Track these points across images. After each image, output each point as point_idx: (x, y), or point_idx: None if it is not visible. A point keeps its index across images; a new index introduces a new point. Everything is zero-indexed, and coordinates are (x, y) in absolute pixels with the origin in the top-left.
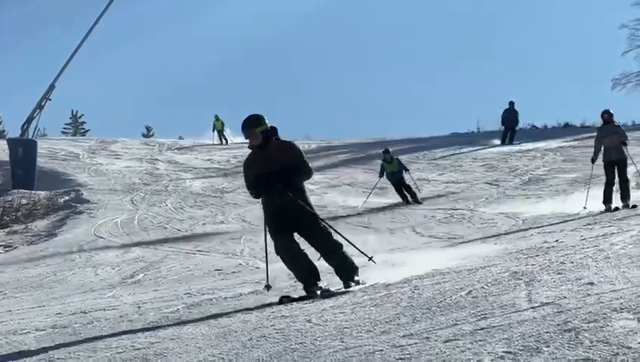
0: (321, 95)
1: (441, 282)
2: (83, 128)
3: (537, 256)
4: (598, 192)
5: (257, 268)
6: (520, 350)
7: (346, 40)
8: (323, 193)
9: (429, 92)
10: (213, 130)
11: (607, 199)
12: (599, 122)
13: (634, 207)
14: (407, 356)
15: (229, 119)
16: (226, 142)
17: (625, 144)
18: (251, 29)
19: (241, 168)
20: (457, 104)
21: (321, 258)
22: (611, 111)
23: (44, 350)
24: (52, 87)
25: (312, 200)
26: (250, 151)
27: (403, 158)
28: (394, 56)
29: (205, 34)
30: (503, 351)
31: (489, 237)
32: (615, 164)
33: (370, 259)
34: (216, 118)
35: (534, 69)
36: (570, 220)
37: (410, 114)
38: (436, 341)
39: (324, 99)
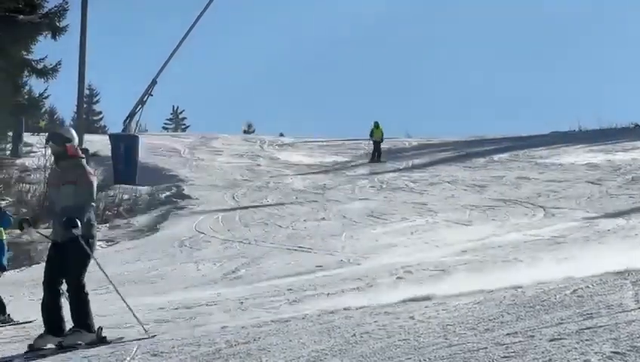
0: (420, 93)
1: (544, 281)
2: (184, 124)
3: None
4: None
5: (359, 264)
6: (628, 350)
7: (445, 38)
8: (423, 190)
9: (529, 90)
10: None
11: None
12: None
13: None
14: (512, 354)
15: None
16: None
17: None
18: (347, 24)
19: (342, 165)
20: (557, 102)
21: None
22: None
23: (148, 344)
24: (154, 82)
25: (414, 197)
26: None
27: (503, 157)
28: (494, 54)
29: (307, 28)
30: (611, 351)
31: (592, 236)
32: None
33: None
34: (376, 126)
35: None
36: None
37: (510, 112)
38: (541, 339)
39: (424, 98)
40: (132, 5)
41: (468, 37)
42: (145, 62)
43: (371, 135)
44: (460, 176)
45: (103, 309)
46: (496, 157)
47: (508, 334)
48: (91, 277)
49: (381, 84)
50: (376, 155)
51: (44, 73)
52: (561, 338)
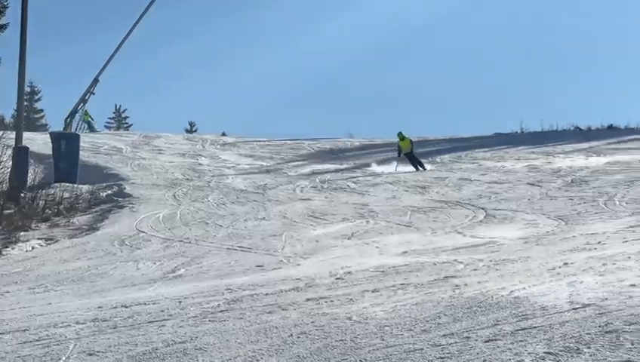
0: (364, 94)
1: (482, 282)
2: (126, 123)
3: (579, 257)
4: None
5: (299, 264)
6: (561, 351)
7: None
8: (364, 191)
9: (472, 92)
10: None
11: None
12: None
13: None
14: (448, 355)
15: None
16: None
17: None
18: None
19: (283, 165)
20: (501, 104)
21: None
22: None
23: (85, 343)
24: (96, 81)
25: (355, 198)
26: None
27: (445, 158)
28: (437, 56)
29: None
30: (544, 352)
31: (531, 237)
32: None
33: None
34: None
35: (576, 69)
36: (612, 222)
37: (453, 114)
38: (477, 340)
39: (368, 98)
40: (74, 4)
41: (413, 37)
42: (87, 60)
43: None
44: (401, 176)
45: (40, 308)
46: (438, 158)
47: (444, 335)
48: (29, 276)
49: (323, 85)
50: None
51: None
52: (496, 339)
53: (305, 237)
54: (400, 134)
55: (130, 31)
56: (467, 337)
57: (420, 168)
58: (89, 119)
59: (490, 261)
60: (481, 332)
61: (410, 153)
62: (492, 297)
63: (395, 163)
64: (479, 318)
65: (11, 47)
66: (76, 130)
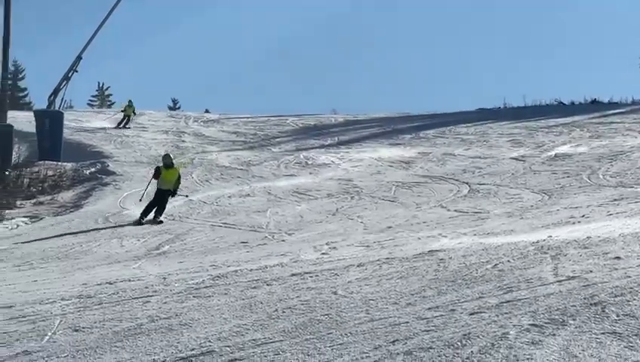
0: (347, 69)
1: (467, 255)
2: (109, 100)
3: (563, 231)
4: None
5: (283, 240)
6: (546, 323)
7: (373, 14)
8: (349, 167)
9: (455, 67)
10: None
11: None
12: (627, 99)
13: None
14: (433, 328)
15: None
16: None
17: None
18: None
19: (268, 141)
20: (484, 80)
21: None
22: None
23: (70, 319)
24: (79, 58)
25: (340, 173)
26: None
27: (429, 133)
28: (420, 31)
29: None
30: (529, 324)
31: (515, 211)
32: None
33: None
34: (129, 104)
35: (561, 44)
36: (596, 195)
37: (437, 89)
38: (462, 313)
39: (351, 74)
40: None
41: (397, 13)
42: (70, 38)
43: None
44: (385, 152)
45: (25, 285)
46: (422, 133)
47: (429, 308)
48: (14, 254)
49: (307, 61)
50: None
51: None
52: (481, 312)
53: (289, 213)
54: (130, 101)
55: (113, 8)
56: (452, 310)
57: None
58: (132, 112)
59: (475, 235)
60: (466, 304)
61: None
62: (476, 270)
63: None
64: (464, 291)
65: None
66: (60, 108)
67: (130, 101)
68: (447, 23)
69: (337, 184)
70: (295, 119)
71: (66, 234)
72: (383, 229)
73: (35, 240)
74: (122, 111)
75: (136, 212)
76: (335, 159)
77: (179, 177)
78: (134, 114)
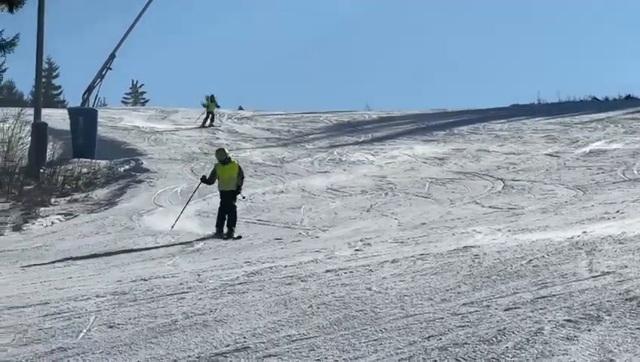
0: (381, 66)
1: (501, 251)
2: (143, 98)
3: (598, 226)
4: None
5: (317, 237)
6: (581, 318)
7: (408, 11)
8: (382, 163)
9: (489, 63)
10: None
11: None
12: None
13: None
14: (468, 323)
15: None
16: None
17: None
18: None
19: (302, 138)
20: (518, 76)
21: None
22: None
23: (105, 316)
24: (112, 56)
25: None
26: None
27: (463, 129)
28: (454, 26)
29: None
30: (564, 320)
31: (549, 207)
32: None
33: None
34: (211, 100)
35: (596, 40)
36: (631, 190)
37: (471, 85)
38: (496, 309)
39: (384, 71)
40: None
41: (430, 8)
42: (104, 35)
43: None
44: (419, 148)
45: (60, 282)
46: (456, 130)
47: (464, 304)
48: (49, 251)
49: (341, 58)
50: None
51: (2, 47)
52: (516, 308)
53: (323, 210)
54: (212, 97)
55: (147, 6)
56: (487, 306)
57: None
58: (215, 107)
59: (509, 231)
60: (500, 300)
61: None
62: (511, 266)
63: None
64: (499, 287)
65: (29, 24)
66: (94, 105)
67: (212, 96)
68: (481, 18)
69: (371, 180)
70: (329, 116)
71: (100, 232)
72: (417, 225)
73: (70, 237)
74: (205, 107)
75: (165, 225)
76: (369, 156)
77: (240, 171)
78: (218, 107)
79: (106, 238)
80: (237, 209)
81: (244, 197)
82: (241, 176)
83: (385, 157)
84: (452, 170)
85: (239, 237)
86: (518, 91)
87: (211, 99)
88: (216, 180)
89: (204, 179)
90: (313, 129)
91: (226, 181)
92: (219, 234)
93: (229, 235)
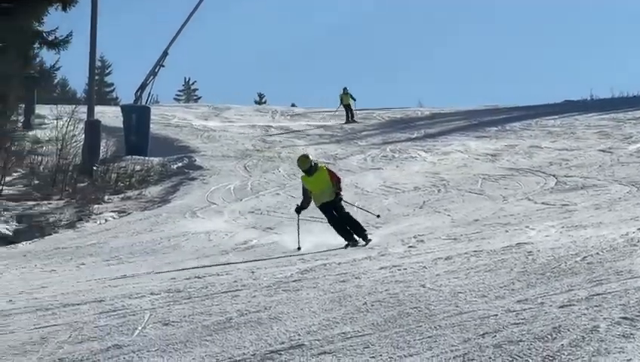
0: (434, 62)
1: (555, 248)
2: (195, 95)
3: None
4: None
5: (371, 234)
6: (637, 316)
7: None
8: (435, 160)
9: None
10: (340, 105)
11: None
12: None
13: None
14: (522, 321)
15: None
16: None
17: None
18: None
19: (354, 135)
20: (570, 71)
21: None
22: None
23: (160, 313)
24: (165, 54)
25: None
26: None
27: (515, 126)
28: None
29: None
30: (620, 317)
31: (603, 204)
32: None
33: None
34: (344, 92)
35: None
36: None
37: (522, 81)
38: (551, 306)
39: (437, 67)
40: None
41: (481, 7)
42: (157, 33)
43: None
44: (472, 145)
45: (115, 280)
46: (508, 126)
47: (518, 301)
48: (103, 249)
49: (394, 54)
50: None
51: (56, 45)
52: (570, 305)
53: (376, 207)
54: (345, 89)
55: (199, 3)
56: (541, 303)
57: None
58: (349, 100)
59: (563, 227)
60: (555, 297)
61: (348, 105)
62: (565, 263)
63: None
64: (553, 284)
65: (82, 22)
66: (146, 103)
67: (344, 89)
68: (532, 14)
69: (424, 177)
70: (382, 112)
71: (153, 229)
72: (469, 222)
73: (123, 235)
74: (341, 103)
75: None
76: (422, 152)
77: (332, 174)
78: (354, 100)
79: (159, 236)
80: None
81: (378, 216)
82: (335, 179)
83: (437, 154)
84: (504, 167)
85: (369, 240)
86: (571, 88)
87: (344, 92)
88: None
89: (299, 209)
90: (366, 126)
91: (320, 194)
92: (354, 244)
93: (365, 240)
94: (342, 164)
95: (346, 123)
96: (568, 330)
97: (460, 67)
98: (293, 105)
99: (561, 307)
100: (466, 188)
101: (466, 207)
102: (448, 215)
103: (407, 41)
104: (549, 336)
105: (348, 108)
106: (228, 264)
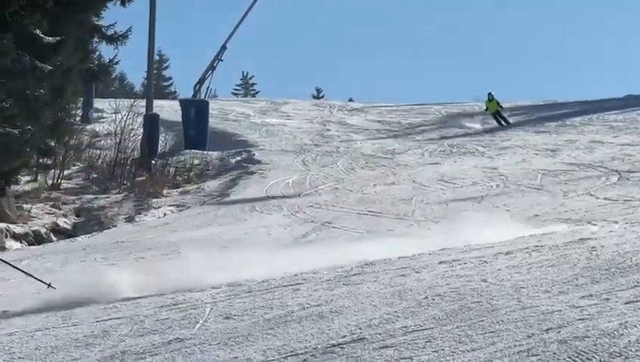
0: (492, 58)
1: (619, 243)
2: (253, 89)
3: None
4: None
5: (429, 228)
6: None
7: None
8: (494, 155)
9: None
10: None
11: None
12: None
13: None
14: (587, 316)
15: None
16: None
17: None
18: None
19: (412, 130)
20: (632, 65)
21: None
22: None
23: (221, 307)
24: (224, 47)
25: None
26: None
27: (576, 121)
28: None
29: None
30: None
31: None
32: None
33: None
34: (489, 99)
35: None
36: None
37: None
38: (617, 302)
39: (496, 62)
40: None
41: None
42: (215, 27)
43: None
44: (531, 140)
45: (175, 273)
46: (568, 121)
47: (583, 297)
48: (162, 242)
49: (450, 49)
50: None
51: (114, 39)
52: (637, 301)
53: (435, 201)
54: (490, 95)
55: None
56: (607, 299)
57: (504, 123)
58: (494, 106)
59: (627, 223)
60: (620, 293)
61: (497, 112)
62: (631, 259)
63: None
64: (618, 280)
65: (141, 17)
66: (205, 97)
67: (489, 94)
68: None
69: (482, 172)
70: (439, 107)
71: (212, 223)
72: (529, 217)
73: (182, 229)
74: (486, 110)
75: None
76: (479, 147)
77: None
78: (501, 107)
79: (218, 229)
80: None
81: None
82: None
83: (496, 149)
84: (565, 162)
85: None
86: (633, 82)
87: (489, 98)
88: None
89: None
90: (423, 121)
91: None
92: None
93: None
94: (400, 158)
95: (498, 125)
96: (635, 326)
97: (520, 62)
98: (350, 99)
99: (627, 303)
100: (525, 184)
101: (525, 202)
102: (507, 210)
103: (461, 34)
104: (616, 332)
105: (497, 114)
106: (287, 257)
